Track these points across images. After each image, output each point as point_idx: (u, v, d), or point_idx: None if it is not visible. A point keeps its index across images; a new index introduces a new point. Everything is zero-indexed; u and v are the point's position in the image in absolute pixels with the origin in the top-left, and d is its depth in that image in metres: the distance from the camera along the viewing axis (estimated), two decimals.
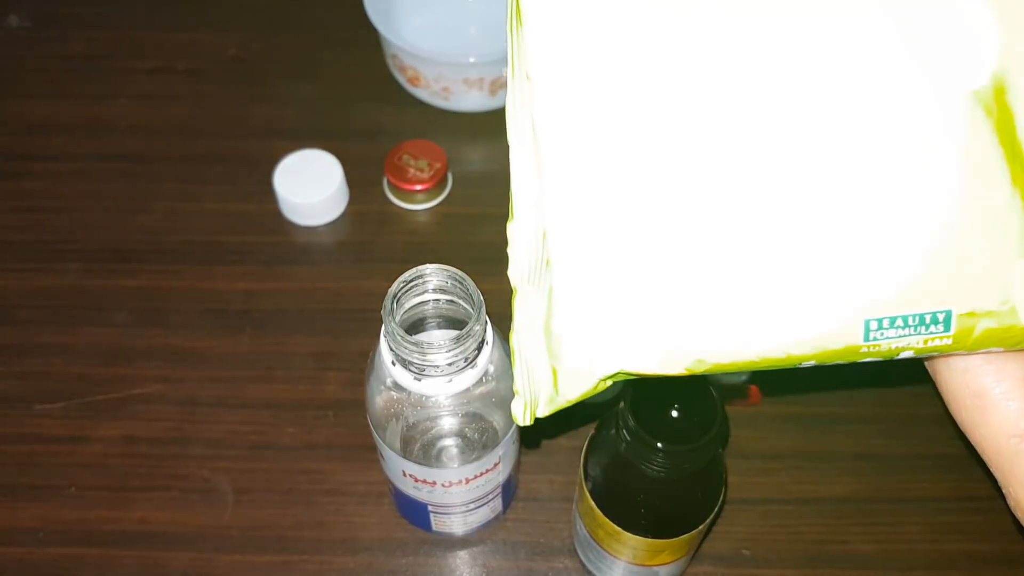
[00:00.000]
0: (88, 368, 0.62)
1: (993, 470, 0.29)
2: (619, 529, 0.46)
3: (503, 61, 0.70)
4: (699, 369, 0.28)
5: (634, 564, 0.49)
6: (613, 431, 0.44)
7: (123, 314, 0.65)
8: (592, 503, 0.46)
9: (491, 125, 0.75)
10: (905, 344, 0.27)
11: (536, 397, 0.30)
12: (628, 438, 0.42)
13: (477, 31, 0.78)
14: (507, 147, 0.29)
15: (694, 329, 0.27)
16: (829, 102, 0.26)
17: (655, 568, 0.50)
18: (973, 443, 0.29)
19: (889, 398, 0.61)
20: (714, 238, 0.27)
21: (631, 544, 0.47)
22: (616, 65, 0.27)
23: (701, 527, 0.47)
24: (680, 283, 0.27)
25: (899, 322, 0.27)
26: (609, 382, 0.29)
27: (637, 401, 0.42)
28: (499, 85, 0.72)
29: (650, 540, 0.46)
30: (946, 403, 0.29)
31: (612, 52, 0.27)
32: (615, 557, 0.49)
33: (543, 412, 0.30)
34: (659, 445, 0.41)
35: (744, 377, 0.62)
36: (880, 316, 0.27)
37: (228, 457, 0.59)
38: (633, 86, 0.27)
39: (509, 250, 0.30)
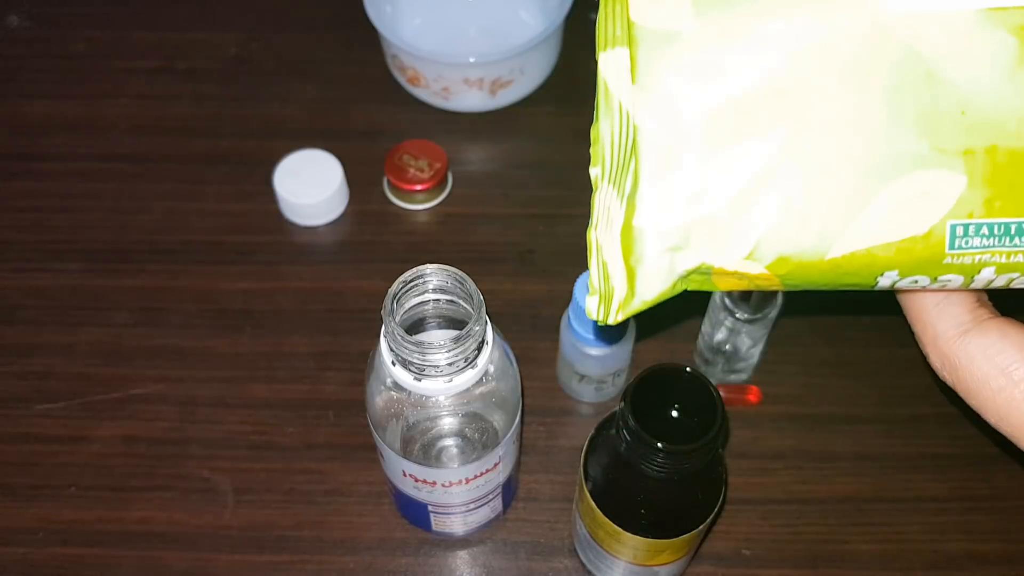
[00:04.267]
0: (88, 368, 0.62)
1: None
2: (619, 529, 0.46)
3: (503, 61, 0.70)
4: (780, 270, 0.27)
5: (634, 564, 0.49)
6: (613, 431, 0.44)
7: (123, 314, 0.65)
8: (592, 503, 0.46)
9: (491, 125, 0.75)
10: (988, 258, 0.27)
11: (610, 299, 0.29)
12: (628, 438, 0.42)
13: (477, 31, 0.78)
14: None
15: (779, 225, 0.27)
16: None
17: (655, 568, 0.50)
18: (1010, 429, 0.29)
19: (889, 398, 0.61)
20: (798, 137, 0.27)
21: (631, 544, 0.47)
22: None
23: (701, 527, 0.47)
24: (765, 180, 0.27)
25: (984, 230, 0.27)
26: (683, 285, 0.29)
27: (637, 401, 0.42)
28: (499, 85, 0.72)
29: (650, 540, 0.46)
30: (972, 396, 0.29)
31: None
32: (615, 557, 0.49)
33: (618, 316, 0.29)
34: (659, 445, 0.41)
35: (744, 377, 0.62)
36: (966, 222, 0.27)
37: (228, 457, 0.59)
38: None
39: (592, 149, 0.30)
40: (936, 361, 0.30)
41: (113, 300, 0.66)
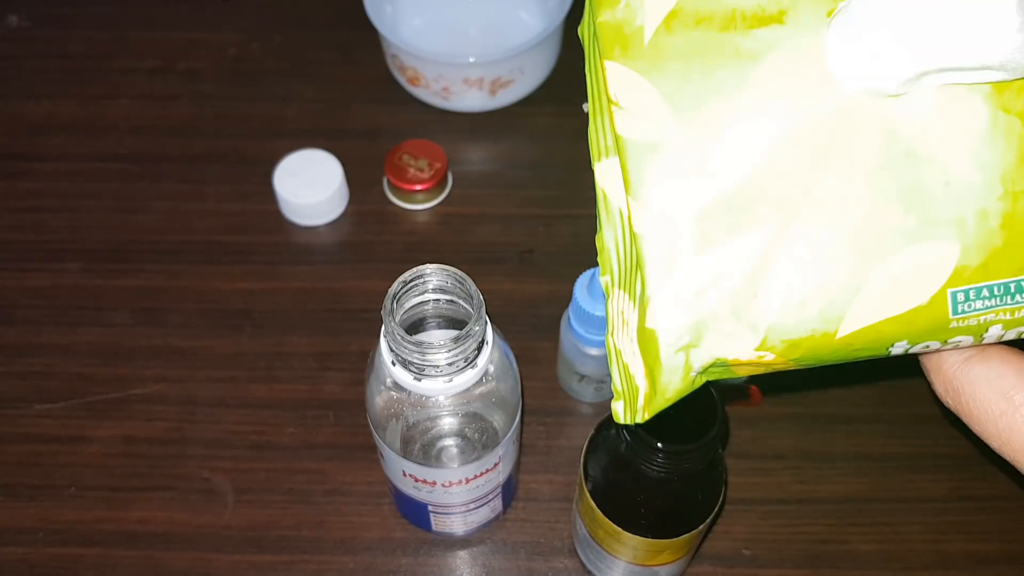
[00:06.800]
0: (88, 368, 0.62)
1: None
2: (619, 529, 0.46)
3: (503, 61, 0.70)
4: (793, 355, 0.28)
5: (634, 564, 0.49)
6: (613, 431, 0.44)
7: (123, 314, 0.65)
8: (592, 503, 0.46)
9: (491, 125, 0.75)
10: (993, 317, 0.28)
11: (635, 399, 0.30)
12: (628, 438, 0.42)
13: (477, 31, 0.78)
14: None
15: (782, 313, 0.28)
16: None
17: (655, 568, 0.50)
18: (1013, 454, 0.29)
19: (889, 398, 0.61)
20: (789, 226, 0.27)
21: (631, 544, 0.47)
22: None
23: (701, 527, 0.47)
24: (762, 271, 0.28)
25: (984, 292, 0.27)
26: (703, 379, 0.30)
27: None
28: (499, 85, 0.72)
29: (650, 540, 0.46)
30: (975, 421, 0.30)
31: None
32: (615, 557, 0.49)
33: (644, 415, 0.30)
34: (659, 445, 0.41)
35: (744, 377, 0.62)
36: (965, 287, 0.27)
37: (228, 457, 0.59)
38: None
39: (600, 258, 0.32)
40: (940, 387, 0.30)
41: (113, 300, 0.66)
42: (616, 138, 0.29)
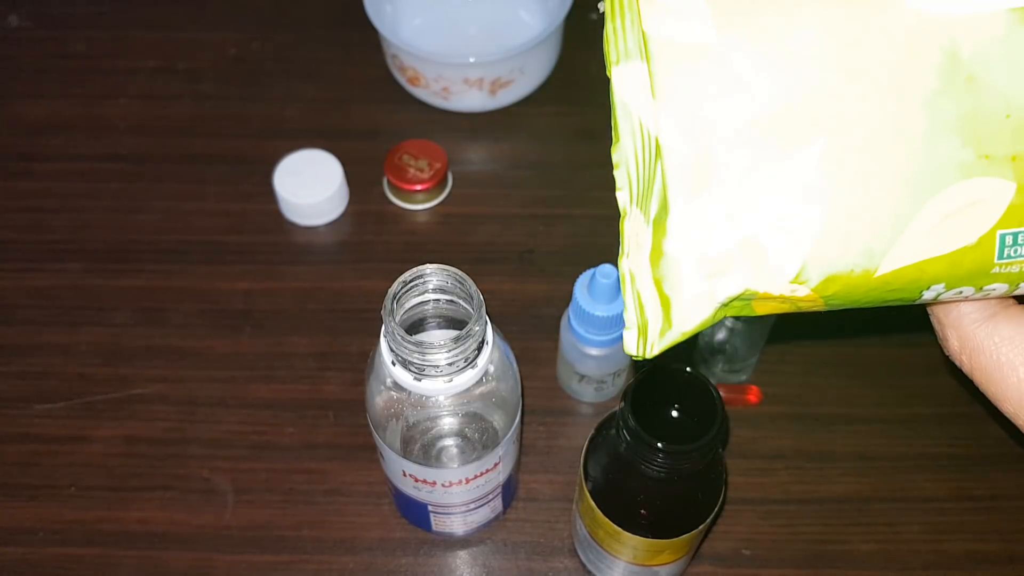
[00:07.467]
0: (88, 368, 0.62)
1: None
2: (619, 529, 0.46)
3: (503, 61, 0.70)
4: (827, 291, 0.26)
5: (634, 564, 0.49)
6: (613, 431, 0.44)
7: (123, 314, 0.65)
8: (592, 503, 0.46)
9: (491, 125, 0.75)
10: None
11: (646, 330, 0.28)
12: (628, 438, 0.42)
13: (477, 31, 0.78)
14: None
15: (824, 244, 0.26)
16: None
17: (655, 568, 0.50)
18: None
19: (889, 398, 0.61)
20: (837, 149, 0.25)
21: (631, 544, 0.47)
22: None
23: (701, 527, 0.47)
24: (806, 196, 0.26)
25: None
26: (723, 312, 0.27)
27: (637, 401, 0.42)
28: (499, 85, 0.72)
29: (650, 540, 0.46)
30: (991, 383, 0.28)
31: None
32: (615, 557, 0.49)
33: (656, 349, 0.28)
34: (659, 445, 0.41)
35: (744, 377, 0.62)
36: (1015, 231, 0.26)
37: (228, 457, 0.59)
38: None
39: (616, 172, 0.29)
40: (955, 343, 0.29)
41: (113, 300, 0.66)
42: (643, 37, 0.26)
